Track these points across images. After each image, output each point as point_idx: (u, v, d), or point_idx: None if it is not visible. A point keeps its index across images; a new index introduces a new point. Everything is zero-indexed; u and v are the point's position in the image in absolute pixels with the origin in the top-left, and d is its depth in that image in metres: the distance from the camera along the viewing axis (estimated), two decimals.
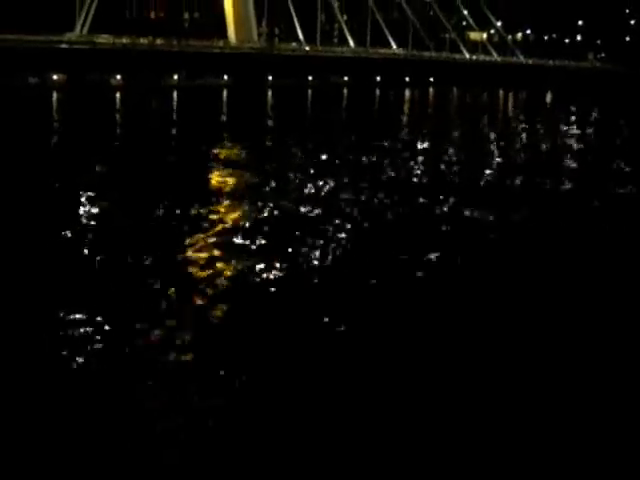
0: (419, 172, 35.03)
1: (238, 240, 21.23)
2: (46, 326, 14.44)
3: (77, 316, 14.83)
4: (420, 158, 39.93)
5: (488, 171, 35.85)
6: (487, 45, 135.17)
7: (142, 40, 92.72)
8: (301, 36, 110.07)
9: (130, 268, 18.33)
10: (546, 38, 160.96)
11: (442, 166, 37.22)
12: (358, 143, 44.58)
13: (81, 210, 24.59)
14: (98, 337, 13.97)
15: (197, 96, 76.62)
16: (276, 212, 25.01)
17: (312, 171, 33.22)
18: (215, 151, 39.44)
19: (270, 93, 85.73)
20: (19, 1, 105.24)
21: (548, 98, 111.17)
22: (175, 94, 78.09)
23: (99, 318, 14.79)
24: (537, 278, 18.70)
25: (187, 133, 49.06)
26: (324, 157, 37.70)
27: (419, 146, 45.42)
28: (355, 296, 16.78)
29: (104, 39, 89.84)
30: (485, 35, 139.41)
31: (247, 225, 23.09)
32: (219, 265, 18.80)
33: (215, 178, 31.84)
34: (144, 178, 31.45)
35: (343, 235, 22.12)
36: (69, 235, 21.26)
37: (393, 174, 33.66)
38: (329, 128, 53.91)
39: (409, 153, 41.17)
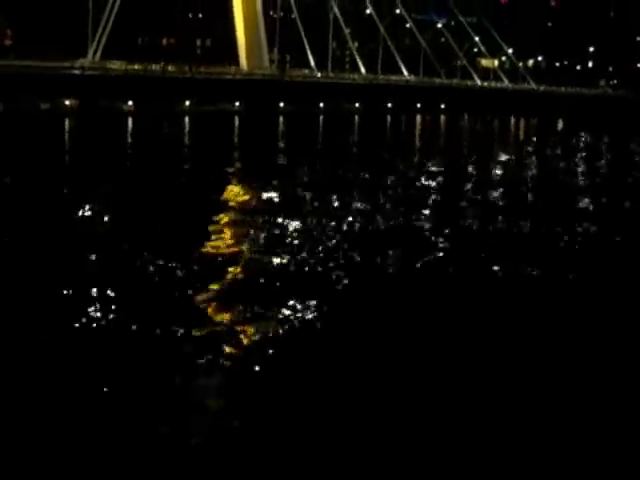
0: (430, 197, 34.74)
1: (250, 264, 21.03)
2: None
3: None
4: (430, 183, 39.71)
5: (497, 197, 35.53)
6: (498, 72, 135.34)
7: (154, 66, 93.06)
8: (312, 63, 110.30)
9: (134, 297, 18.07)
10: (557, 65, 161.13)
11: (452, 190, 36.95)
12: (369, 168, 44.36)
13: (87, 237, 24.35)
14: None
15: (208, 122, 76.65)
16: (287, 233, 24.76)
17: (324, 201, 32.94)
18: (225, 177, 39.28)
19: (281, 119, 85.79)
20: (32, 28, 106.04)
21: (559, 125, 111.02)
22: (187, 120, 78.19)
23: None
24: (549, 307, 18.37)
25: (198, 158, 48.99)
26: (335, 183, 37.45)
27: (429, 171, 45.16)
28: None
29: (116, 65, 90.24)
30: (496, 62, 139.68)
31: (259, 251, 22.86)
32: (228, 289, 18.55)
33: (225, 204, 31.65)
34: (154, 203, 31.29)
35: (354, 260, 21.83)
36: (70, 264, 20.97)
37: (404, 199, 33.36)
38: (340, 154, 53.75)
39: (420, 179, 40.90)
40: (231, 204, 31.25)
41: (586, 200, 35.65)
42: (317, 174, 39.72)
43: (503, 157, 55.89)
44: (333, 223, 26.57)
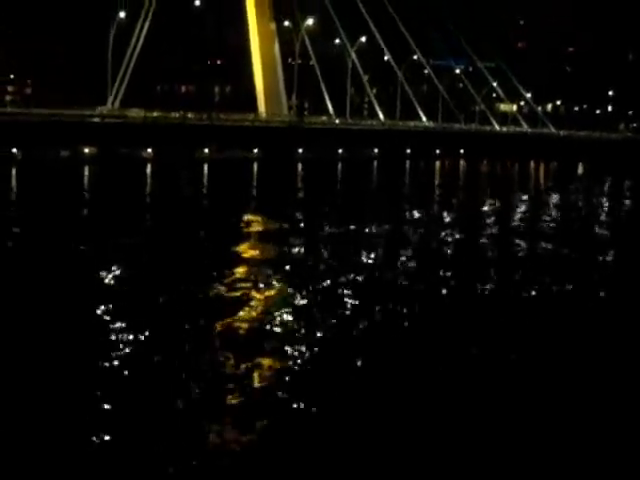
0: (450, 244, 34.11)
1: (267, 314, 20.42)
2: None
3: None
4: (450, 230, 39.11)
5: (520, 242, 34.81)
6: (517, 116, 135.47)
7: (173, 114, 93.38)
8: (331, 109, 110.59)
9: (151, 344, 17.50)
10: (576, 109, 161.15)
11: (472, 238, 36.29)
12: (388, 215, 43.84)
13: (105, 282, 24.00)
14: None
15: (227, 169, 76.56)
16: (305, 284, 24.17)
17: (342, 247, 32.39)
18: (245, 223, 38.99)
19: (300, 166, 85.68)
20: (52, 76, 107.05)
21: (580, 169, 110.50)
22: (206, 167, 78.14)
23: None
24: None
25: (217, 205, 48.69)
26: (354, 230, 36.89)
27: (448, 218, 44.62)
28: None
29: (135, 113, 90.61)
30: (515, 106, 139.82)
31: (277, 302, 22.29)
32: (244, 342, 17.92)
33: (244, 251, 31.21)
34: (173, 251, 30.96)
35: (372, 310, 21.16)
36: (87, 311, 20.53)
37: (423, 247, 32.74)
38: (358, 203, 53.33)
39: (439, 226, 40.32)
40: (248, 254, 30.77)
41: (610, 251, 34.81)
42: (335, 223, 39.09)
43: (523, 205, 55.18)
44: (350, 276, 25.88)
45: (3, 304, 21.27)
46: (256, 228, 37.72)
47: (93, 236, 33.70)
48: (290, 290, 23.60)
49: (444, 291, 24.57)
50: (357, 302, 22.33)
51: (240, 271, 26.55)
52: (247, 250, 31.22)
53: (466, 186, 74.50)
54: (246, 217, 41.59)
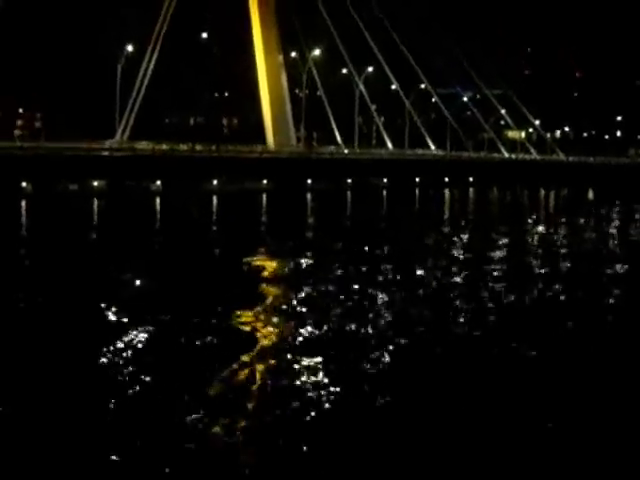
0: (461, 277, 33.64)
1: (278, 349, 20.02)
2: None
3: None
4: (462, 258, 38.74)
5: (534, 278, 34.28)
6: (526, 143, 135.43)
7: (182, 146, 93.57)
8: (339, 139, 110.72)
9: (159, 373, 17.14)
10: (585, 135, 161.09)
11: (484, 269, 35.83)
12: (399, 246, 43.51)
13: (112, 319, 23.80)
14: None
15: (236, 201, 76.46)
16: (317, 324, 23.80)
17: (354, 280, 31.99)
18: (254, 256, 38.63)
19: (310, 196, 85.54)
20: (61, 110, 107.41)
21: (590, 195, 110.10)
22: (215, 199, 78.02)
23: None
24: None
25: (227, 239, 48.42)
26: (365, 263, 36.47)
27: (460, 248, 44.20)
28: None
29: (144, 145, 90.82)
30: (523, 133, 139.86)
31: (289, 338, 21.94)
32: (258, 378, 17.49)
33: (255, 284, 30.89)
34: (182, 284, 30.72)
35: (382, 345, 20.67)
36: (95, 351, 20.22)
37: (435, 283, 32.27)
38: (369, 231, 53.04)
39: (451, 257, 39.90)
40: (257, 285, 30.51)
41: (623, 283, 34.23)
42: (345, 261, 38.68)
43: (535, 236, 54.71)
44: (361, 314, 25.45)
45: (14, 337, 21.22)
46: (265, 264, 37.36)
47: (102, 271, 33.50)
48: (298, 333, 23.20)
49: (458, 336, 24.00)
50: (366, 344, 21.88)
51: (248, 311, 26.14)
52: (256, 288, 30.81)
53: (476, 215, 74.09)
54: (255, 249, 41.28)
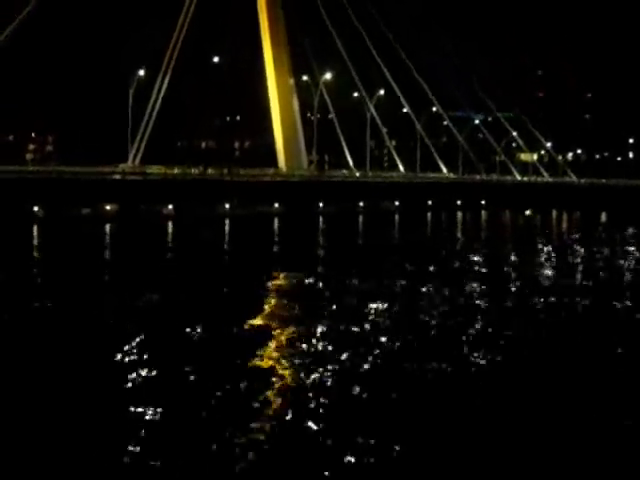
0: (477, 301, 33.24)
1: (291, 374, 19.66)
2: None
3: None
4: (474, 285, 38.33)
5: (548, 300, 33.82)
6: (538, 166, 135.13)
7: (193, 170, 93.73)
8: (351, 162, 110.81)
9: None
10: (597, 157, 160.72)
11: (498, 294, 35.41)
12: (411, 270, 43.10)
13: (127, 343, 23.47)
14: None
15: (249, 224, 76.31)
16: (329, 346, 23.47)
17: (365, 303, 31.67)
18: (267, 279, 38.41)
19: (321, 220, 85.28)
20: (73, 134, 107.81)
21: (603, 218, 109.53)
22: (227, 222, 77.89)
23: None
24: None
25: (239, 261, 48.21)
26: (376, 286, 36.13)
27: (473, 272, 43.81)
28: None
29: (156, 169, 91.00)
30: (535, 156, 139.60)
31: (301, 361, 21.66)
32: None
33: (267, 308, 30.66)
34: (195, 307, 30.58)
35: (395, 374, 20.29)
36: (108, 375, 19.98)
37: (448, 307, 31.87)
38: (381, 255, 52.69)
39: (463, 280, 39.49)
40: (270, 309, 30.35)
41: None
42: (358, 280, 38.40)
43: (549, 264, 54.19)
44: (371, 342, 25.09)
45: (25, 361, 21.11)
46: (278, 288, 37.06)
47: (115, 294, 33.38)
48: (315, 366, 22.90)
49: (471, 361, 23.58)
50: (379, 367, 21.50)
51: (262, 336, 25.85)
52: (268, 313, 30.52)
53: (488, 239, 73.60)
54: (267, 272, 41.01)
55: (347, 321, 27.87)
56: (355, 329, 26.84)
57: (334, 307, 30.97)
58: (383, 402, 18.64)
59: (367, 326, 27.43)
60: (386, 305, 31.64)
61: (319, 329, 26.71)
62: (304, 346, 24.34)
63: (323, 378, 20.53)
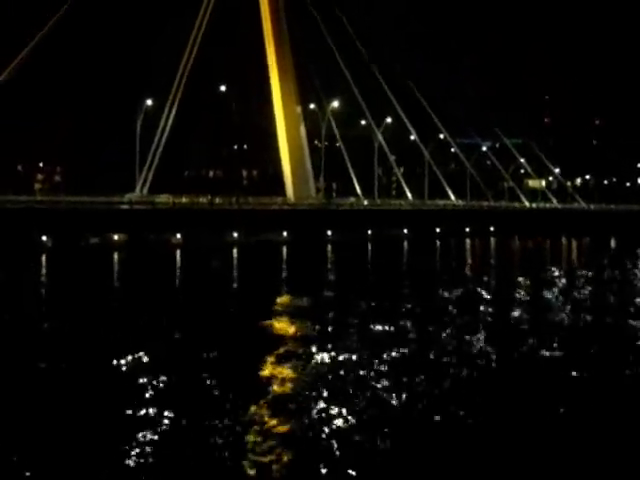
0: (485, 329, 32.80)
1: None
2: None
3: None
4: (484, 310, 37.94)
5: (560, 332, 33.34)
6: (546, 192, 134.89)
7: (201, 199, 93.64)
8: (359, 190, 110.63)
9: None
10: (606, 183, 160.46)
11: (508, 321, 35.00)
12: (421, 298, 42.70)
13: (136, 371, 23.49)
14: None
15: (257, 253, 76.07)
16: (334, 370, 23.23)
17: (376, 332, 31.29)
18: (275, 307, 38.24)
19: (330, 248, 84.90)
20: (81, 164, 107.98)
21: (612, 244, 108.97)
22: (235, 251, 77.64)
23: None
24: None
25: (247, 290, 47.91)
26: (386, 314, 35.72)
27: (482, 298, 43.41)
28: None
29: (164, 199, 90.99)
30: (544, 182, 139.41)
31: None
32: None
33: (276, 336, 30.37)
34: (204, 336, 30.56)
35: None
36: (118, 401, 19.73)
37: (457, 334, 31.45)
38: (390, 282, 52.30)
39: (473, 308, 39.09)
40: (279, 337, 30.12)
41: None
42: (366, 309, 38.02)
43: (559, 283, 53.77)
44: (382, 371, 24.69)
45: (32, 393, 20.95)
46: (285, 311, 36.80)
47: (124, 322, 33.36)
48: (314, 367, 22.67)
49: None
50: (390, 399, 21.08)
51: (268, 369, 25.52)
52: (276, 343, 30.15)
53: (498, 266, 73.17)
54: (276, 300, 40.72)
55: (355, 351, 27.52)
56: (362, 356, 26.51)
57: (341, 345, 30.45)
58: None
59: (374, 357, 27.02)
60: (396, 337, 31.25)
61: (327, 359, 26.35)
62: (309, 370, 24.28)
63: (332, 412, 20.18)
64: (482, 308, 39.78)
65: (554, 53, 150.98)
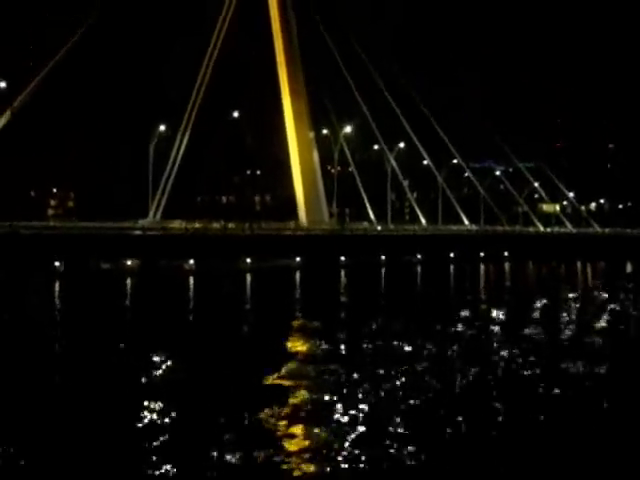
0: (500, 353, 32.23)
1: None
2: None
3: None
4: (499, 337, 37.35)
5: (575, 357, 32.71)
6: (561, 216, 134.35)
7: (214, 224, 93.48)
8: (372, 215, 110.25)
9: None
10: (621, 206, 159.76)
11: (524, 348, 34.37)
12: (435, 324, 42.13)
13: (145, 402, 22.92)
14: None
15: (270, 278, 75.68)
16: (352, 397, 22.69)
17: (389, 360, 30.76)
18: (289, 334, 37.83)
19: (343, 273, 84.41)
20: (94, 190, 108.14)
21: (628, 268, 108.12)
22: (248, 277, 77.23)
23: None
24: None
25: (260, 316, 47.47)
26: (400, 341, 35.18)
27: (497, 324, 42.85)
28: None
29: (177, 224, 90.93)
30: (558, 206, 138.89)
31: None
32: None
33: (288, 366, 29.84)
34: (217, 361, 30.56)
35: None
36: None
37: (474, 359, 30.87)
38: (404, 308, 51.74)
39: (487, 334, 38.53)
40: (292, 363, 29.95)
41: None
42: (380, 343, 37.45)
43: (575, 309, 53.08)
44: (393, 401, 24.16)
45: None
46: (299, 346, 36.26)
47: (137, 350, 33.01)
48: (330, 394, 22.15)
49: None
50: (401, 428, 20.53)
51: (281, 382, 25.16)
52: (289, 372, 29.70)
53: (513, 292, 72.46)
54: (289, 326, 40.31)
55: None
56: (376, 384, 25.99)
57: (354, 372, 29.90)
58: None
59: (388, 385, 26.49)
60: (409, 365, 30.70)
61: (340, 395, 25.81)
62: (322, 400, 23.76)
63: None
64: (495, 331, 39.24)
65: (567, 77, 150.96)
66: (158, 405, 23.07)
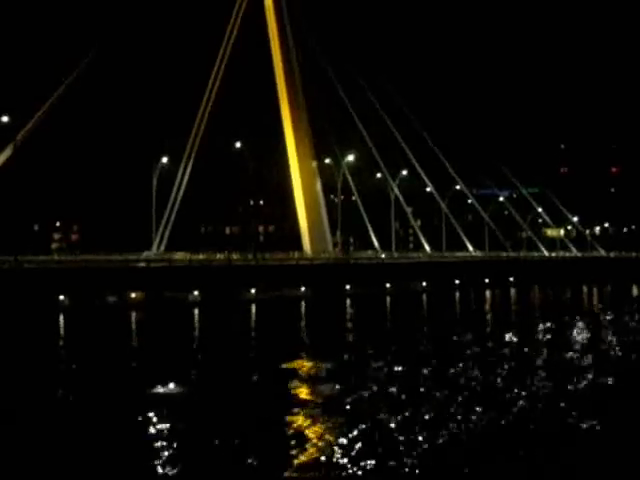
0: (506, 382, 31.87)
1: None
2: None
3: None
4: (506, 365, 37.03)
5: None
6: (565, 241, 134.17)
7: (218, 255, 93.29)
8: (376, 243, 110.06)
9: None
10: (625, 230, 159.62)
11: (529, 376, 34.02)
12: (442, 353, 41.81)
13: (152, 433, 22.98)
14: None
15: (275, 309, 75.38)
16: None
17: (394, 391, 30.46)
18: (294, 365, 37.80)
19: (348, 302, 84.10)
20: (98, 222, 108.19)
21: (635, 292, 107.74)
22: (253, 308, 76.92)
23: None
24: None
25: (266, 348, 47.09)
26: (405, 371, 34.89)
27: (505, 352, 42.56)
28: None
29: (181, 256, 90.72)
30: (562, 231, 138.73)
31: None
32: None
33: (295, 394, 29.74)
34: (222, 395, 30.39)
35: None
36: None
37: (480, 389, 30.49)
38: (410, 337, 51.38)
39: (495, 359, 38.19)
40: (298, 396, 29.78)
41: None
42: (386, 366, 37.15)
43: (583, 334, 52.67)
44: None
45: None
46: (304, 370, 36.00)
47: (141, 384, 32.72)
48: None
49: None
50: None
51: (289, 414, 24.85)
52: (295, 392, 29.54)
53: (519, 316, 72.12)
54: (295, 357, 40.00)
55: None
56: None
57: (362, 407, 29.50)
58: None
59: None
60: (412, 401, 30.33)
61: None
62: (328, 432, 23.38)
63: None
64: (504, 369, 38.77)
65: (570, 102, 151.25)
66: (167, 435, 22.86)
